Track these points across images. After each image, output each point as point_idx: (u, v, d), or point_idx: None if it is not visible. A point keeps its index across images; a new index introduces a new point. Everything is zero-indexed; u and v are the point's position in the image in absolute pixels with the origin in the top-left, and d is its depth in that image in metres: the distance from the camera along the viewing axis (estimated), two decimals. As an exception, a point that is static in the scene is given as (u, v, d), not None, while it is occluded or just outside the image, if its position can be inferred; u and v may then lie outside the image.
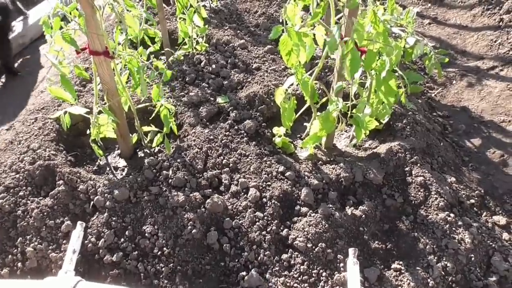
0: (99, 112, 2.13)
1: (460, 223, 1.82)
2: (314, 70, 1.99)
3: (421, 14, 3.64)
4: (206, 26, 3.11)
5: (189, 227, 1.89)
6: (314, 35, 2.07)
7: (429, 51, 2.30)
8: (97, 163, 2.34)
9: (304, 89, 1.94)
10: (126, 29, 2.36)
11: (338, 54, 2.02)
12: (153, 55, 3.14)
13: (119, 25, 2.09)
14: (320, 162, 2.17)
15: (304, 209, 1.95)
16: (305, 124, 2.35)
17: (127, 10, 2.14)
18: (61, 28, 2.00)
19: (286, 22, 1.86)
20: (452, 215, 1.84)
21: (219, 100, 2.50)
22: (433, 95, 2.74)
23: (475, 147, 2.32)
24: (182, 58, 3.01)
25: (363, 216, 1.90)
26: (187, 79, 2.70)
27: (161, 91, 2.12)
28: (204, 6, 3.81)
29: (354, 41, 1.71)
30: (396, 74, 1.89)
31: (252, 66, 2.79)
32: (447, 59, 2.33)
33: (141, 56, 2.09)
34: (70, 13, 2.06)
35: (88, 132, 2.19)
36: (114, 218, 1.95)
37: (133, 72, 2.11)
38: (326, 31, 1.91)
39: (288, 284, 1.76)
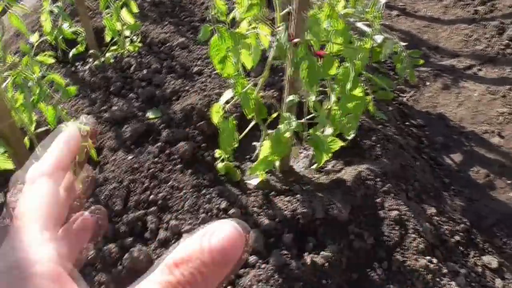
0: (-16, 140, 1.61)
1: (444, 270, 1.45)
2: (258, 80, 1.55)
3: (388, 5, 3.27)
4: (140, 22, 2.60)
5: (99, 294, 1.42)
6: (257, 35, 1.64)
7: (401, 52, 1.92)
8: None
9: (246, 105, 1.50)
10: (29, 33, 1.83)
11: (288, 60, 1.60)
12: (78, 59, 2.61)
13: (-4, 24, 1.56)
14: (273, 192, 1.74)
15: (252, 259, 1.52)
16: (254, 143, 1.91)
17: (6, 7, 1.62)
18: None
19: (217, 19, 1.41)
20: (434, 260, 1.47)
21: (149, 114, 2.02)
22: (404, 99, 2.37)
23: (456, 164, 1.97)
24: (112, 61, 2.50)
25: (326, 264, 1.50)
26: (111, 89, 2.19)
27: (58, 113, 1.62)
28: (145, -3, 3.28)
29: (308, 44, 1.29)
30: (370, 76, 1.49)
31: (193, 70, 2.32)
32: (421, 61, 1.96)
33: (29, 67, 1.57)
34: None
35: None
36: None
37: (23, 89, 1.60)
38: (270, 30, 1.48)
39: None
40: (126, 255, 1.50)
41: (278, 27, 1.28)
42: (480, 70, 2.42)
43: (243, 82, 1.49)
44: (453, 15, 2.91)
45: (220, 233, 0.25)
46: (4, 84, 1.66)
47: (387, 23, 3.08)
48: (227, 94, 1.52)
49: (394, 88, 2.33)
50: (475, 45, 2.58)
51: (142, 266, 1.49)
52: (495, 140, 2.02)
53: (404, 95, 2.40)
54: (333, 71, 1.42)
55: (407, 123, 2.17)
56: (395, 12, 3.19)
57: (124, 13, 2.39)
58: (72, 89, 1.71)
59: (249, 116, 1.56)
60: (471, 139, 2.05)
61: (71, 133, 0.38)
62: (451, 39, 2.71)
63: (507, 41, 2.48)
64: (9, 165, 1.70)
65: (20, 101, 1.68)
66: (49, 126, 1.80)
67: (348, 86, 1.41)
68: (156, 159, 1.80)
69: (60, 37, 2.40)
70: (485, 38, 2.57)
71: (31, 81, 1.63)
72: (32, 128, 1.76)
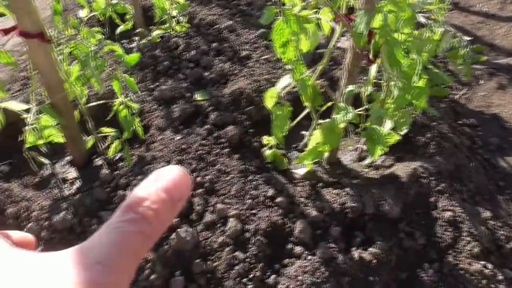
0: (40, 112, 1.64)
1: (500, 277, 1.40)
2: (316, 67, 1.51)
3: (440, -2, 3.12)
4: (188, 2, 2.58)
5: (147, 270, 1.44)
6: (318, 20, 1.59)
7: (462, 46, 1.83)
8: (40, 172, 1.87)
9: (304, 92, 1.47)
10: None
11: (349, 46, 1.54)
12: (124, 37, 2.63)
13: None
14: (321, 183, 1.72)
15: (298, 249, 1.51)
16: (302, 132, 1.88)
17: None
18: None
19: (283, 2, 1.37)
20: (489, 266, 1.42)
21: (197, 96, 2.01)
22: (456, 97, 2.27)
23: (511, 167, 1.88)
24: (158, 40, 2.50)
25: (374, 261, 1.47)
26: (159, 68, 2.19)
27: (120, 85, 1.63)
28: (189, -22, 3.25)
29: (387, 30, 1.23)
30: (436, 71, 1.43)
31: (241, 54, 2.29)
32: (484, 57, 1.87)
33: (86, 39, 1.58)
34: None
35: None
36: (50, 254, 1.50)
37: (80, 61, 1.62)
38: (335, 16, 1.42)
39: None
40: (173, 235, 1.52)
41: (357, 14, 1.23)
42: (541, 70, 2.29)
43: (301, 68, 1.45)
44: (511, 12, 2.75)
45: (170, 175, 0.29)
46: (61, 57, 1.69)
47: (439, 18, 2.95)
48: (285, 80, 1.48)
49: (442, 85, 2.24)
50: (536, 44, 2.44)
51: (188, 246, 1.50)
52: (556, 144, 1.91)
53: (456, 92, 2.30)
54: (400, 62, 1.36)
55: (459, 122, 2.09)
56: (448, 6, 3.04)
57: (174, -9, 2.38)
58: (133, 56, 1.69)
59: (306, 104, 1.52)
60: (529, 142, 1.95)
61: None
62: (507, 37, 2.57)
63: None
64: (60, 139, 1.74)
65: (75, 74, 1.70)
66: (105, 100, 1.82)
67: (414, 78, 1.35)
68: (204, 141, 1.79)
69: (112, 11, 2.41)
70: (547, 37, 2.43)
71: (85, 54, 1.63)
72: (83, 101, 1.79)
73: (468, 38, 1.68)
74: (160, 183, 0.28)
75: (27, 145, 1.65)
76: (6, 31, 1.49)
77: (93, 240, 0.27)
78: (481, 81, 2.36)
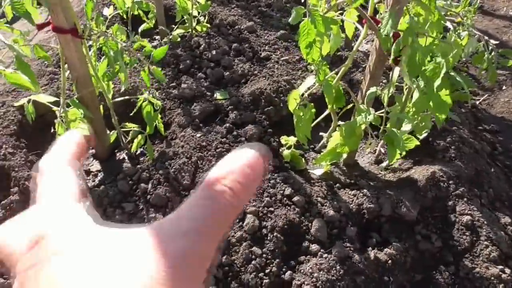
0: (68, 105, 1.71)
1: (517, 283, 1.39)
2: (340, 69, 1.53)
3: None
4: (209, 2, 2.63)
5: (167, 262, 1.49)
6: (342, 21, 1.61)
7: (490, 51, 1.82)
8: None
9: (328, 93, 1.49)
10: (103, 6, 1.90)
11: (373, 48, 1.56)
12: (145, 36, 2.69)
13: (92, -5, 1.63)
14: (338, 184, 1.73)
15: (314, 247, 1.53)
16: (321, 133, 1.90)
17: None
18: (15, -5, 1.56)
19: (308, 3, 1.39)
20: (507, 270, 1.41)
21: (218, 95, 2.05)
22: (478, 102, 2.25)
23: (533, 174, 1.86)
24: (178, 39, 2.55)
25: (389, 261, 1.48)
26: (181, 67, 2.25)
27: (148, 79, 1.68)
28: (211, -22, 3.31)
29: (411, 33, 1.25)
30: (458, 79, 1.43)
31: (261, 54, 2.32)
32: (511, 62, 1.85)
33: (116, 35, 1.64)
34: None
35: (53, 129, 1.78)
36: (74, 243, 1.56)
37: (109, 56, 1.67)
38: (360, 18, 1.44)
39: None
40: (193, 228, 1.56)
41: (381, 14, 1.25)
42: None
43: (325, 69, 1.47)
44: (537, 17, 2.71)
45: (251, 153, 0.30)
46: (90, 52, 1.75)
47: (468, 22, 2.92)
48: (308, 82, 1.51)
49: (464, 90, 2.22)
50: (561, 50, 2.39)
51: (207, 240, 1.54)
52: None
53: (477, 98, 2.28)
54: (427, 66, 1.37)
55: (479, 127, 2.07)
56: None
57: (197, -8, 2.42)
58: (162, 49, 1.73)
59: (329, 105, 1.55)
60: (551, 150, 1.93)
61: (78, 134, 0.39)
62: (533, 42, 2.54)
63: None
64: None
65: (103, 69, 1.76)
66: (129, 96, 1.88)
67: (437, 83, 1.36)
68: (223, 139, 1.83)
69: (138, 10, 2.47)
70: None
71: (114, 50, 1.69)
72: (110, 96, 1.85)
73: (495, 42, 1.67)
74: (243, 160, 0.30)
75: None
76: (41, 26, 1.56)
77: (184, 209, 0.28)
78: (503, 87, 2.34)
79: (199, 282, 0.27)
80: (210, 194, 0.28)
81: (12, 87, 2.30)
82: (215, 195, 0.28)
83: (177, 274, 0.25)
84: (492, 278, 1.40)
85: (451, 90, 1.93)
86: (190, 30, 2.55)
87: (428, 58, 1.37)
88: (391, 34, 1.19)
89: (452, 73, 1.48)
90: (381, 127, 1.54)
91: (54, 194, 0.32)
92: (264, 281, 1.46)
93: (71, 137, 0.39)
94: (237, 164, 0.29)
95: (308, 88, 1.50)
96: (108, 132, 1.93)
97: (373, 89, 1.47)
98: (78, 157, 0.37)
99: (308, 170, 1.84)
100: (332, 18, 1.35)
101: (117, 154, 1.98)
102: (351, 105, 1.64)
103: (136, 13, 2.41)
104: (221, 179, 0.29)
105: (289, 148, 1.80)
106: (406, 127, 1.53)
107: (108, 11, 2.34)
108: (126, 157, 1.92)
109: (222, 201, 0.28)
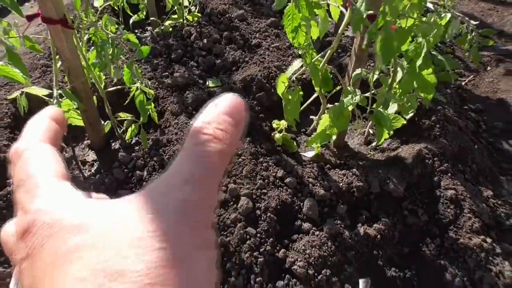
0: (61, 96, 1.74)
1: (498, 250, 1.46)
2: (326, 52, 1.57)
3: (449, -15, 3.13)
4: (199, -9, 2.65)
5: (165, 244, 1.54)
6: (328, 5, 1.64)
7: (470, 32, 1.87)
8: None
9: (314, 75, 1.54)
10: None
11: (358, 33, 1.60)
12: (136, 27, 2.71)
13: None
14: (328, 165, 1.79)
15: (306, 226, 1.59)
16: (311, 117, 1.95)
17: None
18: (4, -12, 1.58)
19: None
20: (489, 240, 1.49)
21: (210, 83, 2.09)
22: (463, 83, 2.31)
23: (516, 150, 1.93)
24: (170, 29, 2.57)
25: (378, 236, 1.55)
26: (173, 56, 2.28)
27: (133, 72, 1.71)
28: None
29: (384, 16, 1.29)
30: (440, 58, 1.47)
31: (252, 42, 2.35)
32: (491, 42, 1.90)
33: (106, 26, 1.66)
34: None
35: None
36: (74, 229, 1.60)
37: (98, 47, 1.70)
38: (343, 2, 1.48)
39: (283, 318, 1.43)
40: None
41: None
42: (548, 56, 2.32)
43: (312, 53, 1.51)
44: (522, -2, 2.77)
45: (227, 100, 0.31)
46: (80, 43, 1.77)
47: (448, 4, 2.96)
48: (295, 65, 1.55)
49: (453, 70, 2.27)
50: (544, 30, 2.46)
51: (203, 222, 1.59)
52: (560, 129, 1.95)
53: (463, 79, 2.34)
54: (405, 47, 1.42)
55: (465, 107, 2.13)
56: (457, -7, 3.06)
57: (186, -18, 2.44)
58: (146, 48, 1.79)
59: (316, 88, 1.59)
60: (533, 127, 2.00)
61: (53, 109, 0.37)
62: (517, 23, 2.59)
63: None
64: (79, 122, 1.83)
65: (92, 59, 1.79)
66: (121, 85, 1.91)
67: (419, 62, 1.41)
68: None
69: (124, 1, 2.49)
70: (556, 23, 2.44)
71: (103, 40, 1.71)
72: (102, 86, 1.87)
73: (475, 23, 1.72)
74: (219, 107, 0.31)
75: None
76: (30, 18, 1.58)
77: (175, 166, 0.28)
78: (488, 68, 2.40)
79: (207, 228, 0.27)
80: (197, 144, 0.29)
81: (5, 81, 2.31)
82: (201, 145, 0.28)
83: (180, 228, 0.25)
84: (475, 247, 1.47)
85: (434, 70, 1.98)
86: (181, 20, 2.57)
87: (410, 39, 1.42)
88: (364, 16, 1.23)
89: (434, 53, 1.53)
90: (368, 108, 1.59)
91: (35, 175, 0.30)
92: (259, 259, 1.52)
93: (45, 113, 0.36)
94: (215, 112, 0.31)
95: (296, 71, 1.54)
96: (102, 122, 1.97)
97: (358, 70, 1.52)
98: (55, 134, 0.35)
99: (300, 153, 1.89)
100: (316, 2, 1.39)
101: (112, 144, 2.01)
102: (338, 87, 1.69)
103: (126, 8, 2.43)
104: (203, 128, 0.30)
105: (280, 131, 1.85)
106: (392, 108, 1.58)
107: (98, 3, 2.35)
108: (121, 147, 1.96)
109: (208, 149, 0.28)
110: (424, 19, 1.57)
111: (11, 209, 1.67)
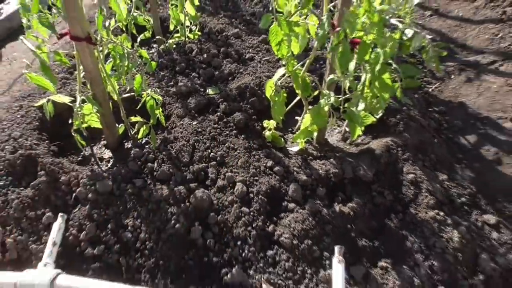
0: (83, 101, 2.06)
1: (449, 221, 1.77)
2: (305, 62, 1.91)
3: (422, 5, 3.53)
4: (200, 13, 3.02)
5: (173, 221, 1.84)
6: (308, 24, 1.99)
7: (427, 44, 2.22)
8: (81, 153, 2.29)
9: (295, 81, 1.87)
10: (110, 14, 2.26)
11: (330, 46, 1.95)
12: (143, 44, 3.06)
13: (101, 9, 2.00)
14: (310, 157, 2.11)
15: (291, 205, 1.90)
16: (296, 117, 2.28)
17: (112, -5, 2.05)
18: (40, 11, 1.92)
19: (276, 10, 1.78)
20: (441, 213, 1.79)
21: (209, 91, 2.43)
22: (430, 89, 2.66)
23: (470, 144, 2.25)
24: (174, 46, 2.93)
25: (351, 213, 1.85)
26: (177, 69, 2.62)
27: (144, 82, 2.05)
28: (200, -8, 3.71)
29: (345, 33, 1.63)
30: (395, 66, 1.81)
31: (245, 56, 2.71)
32: (445, 53, 2.24)
33: (123, 43, 2.01)
34: (51, -3, 1.98)
35: (71, 121, 2.13)
36: (96, 211, 1.90)
37: (116, 60, 2.04)
38: (318, 21, 1.83)
39: (272, 280, 1.71)
40: (192, 195, 1.91)
41: (323, 18, 1.63)
42: (501, 65, 2.66)
43: (293, 62, 1.86)
44: (483, 16, 3.14)
45: None
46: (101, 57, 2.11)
47: (420, 22, 3.35)
48: (280, 72, 1.89)
49: (421, 78, 2.63)
50: (500, 43, 2.82)
51: (205, 204, 1.90)
52: (508, 125, 2.28)
53: (430, 86, 2.69)
54: (367, 57, 1.76)
55: (430, 109, 2.47)
56: (428, 12, 3.44)
57: (187, 5, 2.81)
58: (154, 63, 2.14)
59: (297, 92, 1.93)
60: (486, 124, 2.32)
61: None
62: (478, 37, 2.96)
63: (529, 40, 2.71)
64: (97, 124, 2.16)
65: (108, 70, 2.12)
66: (134, 93, 2.24)
67: (377, 68, 1.75)
68: (215, 126, 2.20)
69: (132, 22, 2.86)
70: (510, 37, 2.80)
71: (121, 54, 2.06)
72: (115, 95, 2.20)
73: (430, 37, 2.06)
74: None
75: (74, 127, 2.07)
76: (61, 36, 1.92)
77: None
78: (452, 76, 2.75)
79: None
80: None
81: (27, 92, 2.65)
82: None
83: None
84: (430, 219, 1.78)
85: (403, 77, 2.32)
86: (183, 38, 2.93)
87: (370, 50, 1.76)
88: (327, 32, 1.57)
89: (393, 63, 1.87)
90: (341, 108, 1.92)
91: None
92: (252, 233, 1.82)
93: None
94: None
95: (280, 78, 1.88)
96: (116, 125, 2.29)
97: (331, 76, 1.86)
98: None
99: (287, 148, 2.21)
100: (295, 22, 1.74)
101: (125, 144, 2.33)
102: (317, 91, 2.03)
103: (132, 28, 2.79)
104: None
105: (270, 130, 2.18)
106: (361, 106, 1.91)
107: (111, 23, 2.72)
108: (133, 145, 2.27)
109: None
110: (387, 34, 1.92)
111: (42, 199, 1.97)
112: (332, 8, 1.86)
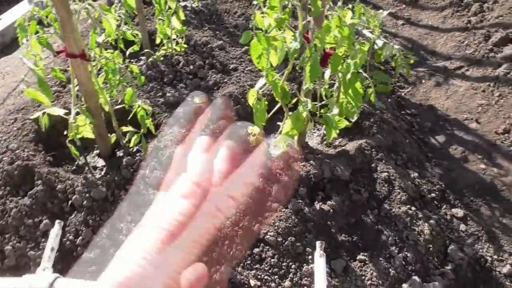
0: (77, 113, 2.18)
1: (420, 215, 1.93)
2: (283, 72, 2.07)
3: (395, 15, 3.75)
4: (186, 27, 3.17)
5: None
6: (285, 38, 2.16)
7: (396, 53, 2.41)
8: (76, 163, 2.40)
9: (275, 90, 2.03)
10: (102, 32, 2.40)
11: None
12: (132, 57, 3.19)
13: (95, 28, 2.14)
14: (292, 159, 2.26)
15: (275, 205, 2.04)
16: (278, 123, 2.43)
17: (104, 14, 2.19)
18: (37, 32, 2.05)
19: (256, 27, 1.94)
20: (413, 208, 1.96)
21: (196, 100, 2.57)
22: (403, 94, 2.85)
23: (439, 143, 2.44)
24: (161, 59, 3.07)
25: (331, 210, 2.01)
26: (165, 80, 2.76)
27: (134, 95, 2.18)
28: (185, 6, 3.87)
29: (314, 47, 1.80)
30: (365, 75, 1.98)
31: (229, 67, 2.86)
32: (412, 60, 2.45)
33: (115, 58, 2.14)
34: (47, 17, 2.11)
35: (65, 132, 2.24)
36: (91, 217, 2.01)
37: (108, 74, 2.17)
38: (294, 36, 2.00)
39: (259, 276, 1.85)
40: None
41: (297, 34, 1.80)
42: (467, 70, 2.87)
43: (272, 73, 2.01)
44: (450, 24, 3.37)
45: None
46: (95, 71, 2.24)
47: (393, 31, 3.57)
48: (261, 82, 2.05)
49: (394, 83, 2.82)
50: (465, 50, 3.03)
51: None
52: (473, 125, 2.47)
53: (403, 90, 2.88)
54: (340, 67, 1.93)
55: (402, 112, 2.66)
56: (400, 22, 3.66)
57: (174, 20, 2.96)
58: (143, 78, 2.28)
59: (278, 99, 2.08)
60: (453, 125, 2.51)
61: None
62: (446, 44, 3.18)
63: (491, 46, 2.93)
64: (91, 134, 2.28)
65: (101, 83, 2.25)
66: (124, 105, 2.37)
67: (348, 77, 1.92)
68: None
69: (121, 38, 2.99)
70: (474, 44, 3.02)
71: (112, 69, 2.19)
72: (107, 107, 2.33)
73: (397, 47, 2.26)
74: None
75: (69, 138, 2.19)
76: (58, 53, 2.05)
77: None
78: (423, 81, 2.95)
79: None
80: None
81: (21, 105, 2.75)
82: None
83: None
84: (402, 214, 1.94)
85: (374, 84, 2.50)
86: (170, 50, 3.08)
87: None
88: (298, 47, 1.73)
89: (363, 72, 2.05)
90: (318, 113, 2.09)
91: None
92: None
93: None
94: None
95: (261, 87, 2.03)
96: (109, 134, 2.41)
97: (307, 84, 2.02)
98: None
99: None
100: (273, 37, 1.90)
101: (117, 153, 2.45)
102: (296, 99, 2.19)
103: (121, 39, 2.92)
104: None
105: (254, 135, 2.32)
106: (335, 111, 2.08)
107: (100, 38, 2.85)
108: (125, 154, 2.40)
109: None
110: (357, 46, 2.09)
111: (40, 207, 2.07)
112: (307, 24, 2.03)
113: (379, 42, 2.49)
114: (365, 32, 2.48)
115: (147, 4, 3.77)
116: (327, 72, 2.17)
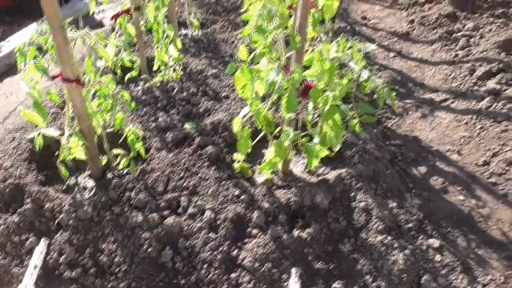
0: (70, 135, 2.28)
1: (396, 245, 1.96)
2: (267, 102, 2.16)
3: (387, 48, 3.88)
4: (184, 54, 3.32)
5: (145, 245, 2.02)
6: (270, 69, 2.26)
7: (379, 85, 2.50)
8: (67, 182, 2.48)
9: (258, 119, 2.11)
10: (97, 59, 2.53)
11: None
12: (131, 82, 3.33)
13: (90, 55, 2.26)
14: (275, 186, 2.32)
15: (254, 231, 2.09)
16: (263, 151, 2.51)
17: (100, 43, 2.32)
18: (35, 57, 2.18)
19: (240, 60, 2.05)
20: (389, 238, 1.99)
21: (187, 126, 2.67)
22: (389, 125, 2.93)
23: (421, 174, 2.48)
24: (158, 85, 3.20)
25: (309, 238, 2.04)
26: (158, 105, 2.87)
27: (124, 119, 2.28)
28: (186, 34, 4.04)
29: (292, 80, 1.89)
30: (347, 107, 2.04)
31: (222, 94, 2.98)
32: (394, 93, 2.52)
33: (109, 84, 2.25)
34: (45, 43, 2.25)
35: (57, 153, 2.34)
36: (76, 236, 2.07)
37: (102, 99, 2.28)
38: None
39: (235, 301, 1.88)
40: (165, 221, 2.10)
41: (275, 68, 1.90)
42: (452, 102, 2.95)
43: (257, 103, 2.11)
44: (439, 58, 3.48)
45: None
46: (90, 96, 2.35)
47: (384, 62, 3.68)
48: (245, 110, 2.14)
49: (380, 115, 2.89)
50: (452, 83, 3.12)
51: (175, 230, 2.08)
52: (454, 157, 2.52)
53: (390, 121, 2.96)
54: (319, 100, 2.02)
55: (387, 142, 2.72)
56: (392, 54, 3.78)
57: (171, 48, 3.10)
58: (133, 104, 2.39)
59: (260, 127, 2.16)
60: (435, 156, 2.56)
61: None
62: (434, 77, 3.27)
63: (475, 80, 3.01)
64: (82, 156, 2.38)
65: (94, 108, 2.36)
66: (114, 128, 2.47)
67: (326, 108, 1.99)
68: (190, 158, 2.42)
69: (119, 64, 3.13)
70: (460, 77, 3.11)
71: (105, 94, 2.30)
72: (99, 130, 2.42)
73: (381, 80, 2.34)
74: None
75: (60, 159, 2.28)
76: (54, 78, 2.17)
77: None
78: (410, 112, 3.03)
79: None
80: None
81: (20, 125, 2.87)
82: None
83: None
84: (378, 243, 1.97)
85: (359, 115, 2.54)
86: (167, 77, 3.21)
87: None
88: (277, 82, 1.82)
89: (339, 103, 2.12)
90: (299, 142, 2.16)
91: None
92: (218, 257, 1.99)
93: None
94: None
95: (245, 116, 2.12)
96: (100, 156, 2.50)
97: (289, 115, 2.10)
98: None
99: (254, 178, 2.42)
100: (257, 69, 2.00)
101: (108, 174, 2.53)
102: (279, 128, 2.27)
103: (120, 65, 3.06)
104: None
105: (238, 162, 2.40)
106: (316, 140, 2.15)
107: (100, 64, 2.99)
108: (115, 175, 2.48)
109: None
110: (336, 80, 2.18)
111: (27, 225, 2.14)
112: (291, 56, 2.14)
113: (365, 75, 2.58)
114: (351, 64, 2.58)
115: (149, 31, 3.95)
116: (311, 104, 2.26)
